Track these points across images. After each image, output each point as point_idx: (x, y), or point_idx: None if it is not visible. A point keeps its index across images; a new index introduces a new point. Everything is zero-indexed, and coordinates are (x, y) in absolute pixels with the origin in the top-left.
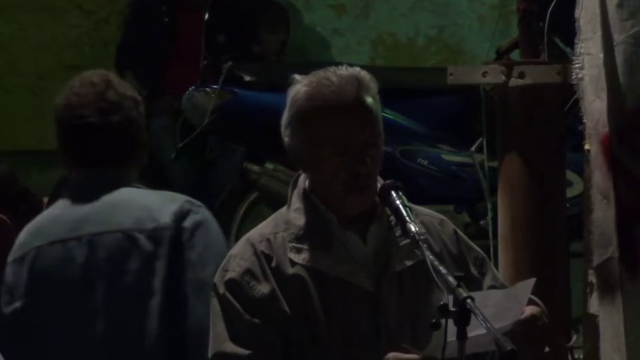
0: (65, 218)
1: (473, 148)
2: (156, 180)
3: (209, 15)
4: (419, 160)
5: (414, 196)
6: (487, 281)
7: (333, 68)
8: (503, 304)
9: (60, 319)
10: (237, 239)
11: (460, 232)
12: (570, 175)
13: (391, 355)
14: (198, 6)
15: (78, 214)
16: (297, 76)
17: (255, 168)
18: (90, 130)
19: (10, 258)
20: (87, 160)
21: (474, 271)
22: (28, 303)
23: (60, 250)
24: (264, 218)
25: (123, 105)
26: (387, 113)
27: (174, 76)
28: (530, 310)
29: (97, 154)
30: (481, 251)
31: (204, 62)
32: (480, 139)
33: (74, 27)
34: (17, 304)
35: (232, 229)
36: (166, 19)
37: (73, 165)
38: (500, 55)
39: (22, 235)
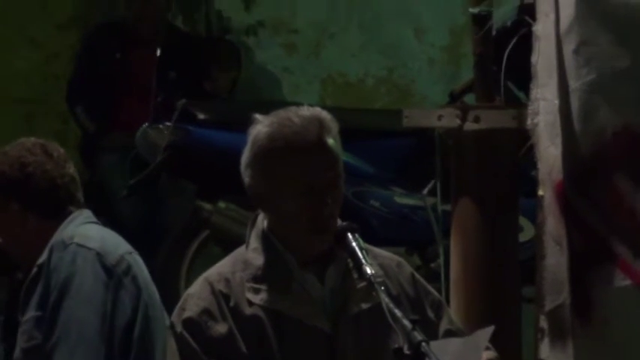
0: None
1: (425, 191)
2: (105, 217)
3: (161, 51)
4: (371, 201)
5: (366, 238)
6: (443, 325)
7: (294, 108)
8: (462, 351)
9: None
10: (187, 278)
11: (417, 275)
12: (521, 220)
13: None
14: (150, 42)
15: None
16: (258, 116)
17: (207, 206)
18: None
19: None
20: None
21: (430, 314)
22: None
23: None
24: (214, 257)
25: None
26: (341, 154)
27: (125, 111)
28: (486, 355)
29: None
30: (438, 295)
31: (157, 99)
32: (433, 182)
33: (25, 60)
34: None
35: (183, 268)
36: (118, 55)
37: None
38: (454, 98)
39: None
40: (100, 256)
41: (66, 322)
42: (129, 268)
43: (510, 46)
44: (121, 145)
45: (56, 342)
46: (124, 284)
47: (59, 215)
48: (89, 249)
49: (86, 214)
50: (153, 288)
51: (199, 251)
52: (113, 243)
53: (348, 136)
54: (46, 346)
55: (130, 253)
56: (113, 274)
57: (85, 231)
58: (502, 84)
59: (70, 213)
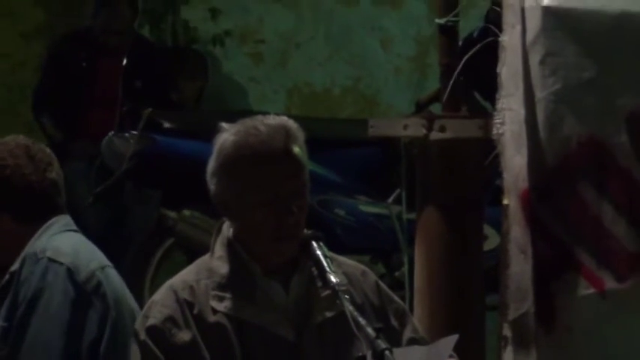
0: None
1: (390, 200)
2: None
3: (127, 61)
4: (336, 210)
5: (330, 246)
6: (407, 333)
7: (260, 117)
8: (426, 359)
9: None
10: (152, 285)
11: (382, 284)
12: (486, 228)
13: None
14: (116, 52)
15: None
16: (224, 125)
17: (172, 214)
18: None
19: None
20: None
21: (394, 322)
22: None
23: None
24: (179, 265)
25: None
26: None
27: (91, 120)
28: None
29: None
30: (402, 303)
31: (123, 108)
32: (398, 191)
33: None
34: None
35: (148, 275)
36: (84, 64)
37: None
38: (420, 108)
39: None
40: (70, 272)
41: (32, 340)
42: (99, 285)
43: (475, 56)
44: (87, 154)
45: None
46: (92, 302)
47: (35, 220)
48: (60, 264)
49: (64, 221)
50: (126, 300)
51: (164, 259)
52: (86, 257)
53: (313, 145)
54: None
55: (103, 268)
56: (83, 291)
57: (58, 243)
58: (467, 94)
59: (46, 220)
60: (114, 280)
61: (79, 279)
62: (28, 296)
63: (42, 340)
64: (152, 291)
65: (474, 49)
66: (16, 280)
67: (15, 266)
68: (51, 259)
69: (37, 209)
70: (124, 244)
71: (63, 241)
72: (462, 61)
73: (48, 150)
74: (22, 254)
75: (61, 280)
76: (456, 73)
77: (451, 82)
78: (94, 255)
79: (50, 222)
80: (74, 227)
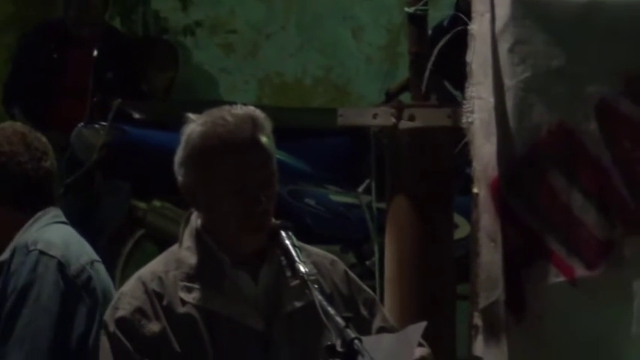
0: None
1: (360, 189)
2: None
3: (98, 52)
4: (306, 200)
5: (301, 236)
6: (377, 322)
7: (227, 107)
8: (395, 347)
9: None
10: (123, 276)
11: (351, 273)
12: (456, 217)
13: None
14: (87, 43)
15: None
16: (191, 115)
17: (142, 205)
18: None
19: None
20: None
21: (364, 311)
22: None
23: None
24: (150, 256)
25: None
26: (275, 153)
27: (62, 111)
28: (419, 352)
29: None
30: (371, 292)
31: (94, 99)
32: (368, 181)
33: None
34: None
35: (118, 266)
36: (55, 55)
37: None
38: (390, 97)
39: None
40: (61, 265)
41: (21, 330)
42: (89, 279)
43: (445, 45)
44: (59, 145)
45: (10, 350)
46: (82, 296)
47: (28, 210)
48: (51, 257)
49: (54, 212)
50: (112, 295)
51: (134, 250)
52: (76, 251)
53: (284, 135)
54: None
55: (92, 262)
56: (73, 285)
57: (49, 236)
58: (437, 83)
59: (38, 210)
60: (102, 275)
61: (69, 273)
62: (18, 287)
63: (32, 331)
64: (123, 282)
65: (445, 38)
66: (6, 271)
67: (5, 256)
68: (42, 252)
69: (30, 198)
70: (94, 235)
71: (53, 234)
72: (435, 51)
73: (44, 139)
74: (12, 244)
75: (52, 273)
76: (430, 62)
77: (421, 71)
78: (83, 249)
79: (41, 213)
80: (64, 219)
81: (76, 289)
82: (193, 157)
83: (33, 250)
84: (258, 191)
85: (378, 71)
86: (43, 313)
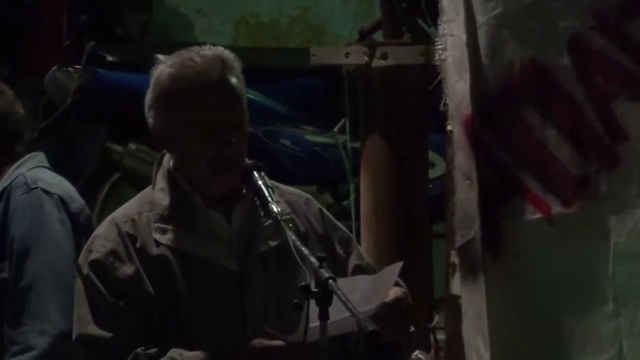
0: None
1: (336, 129)
2: None
3: None
4: (282, 140)
5: (277, 177)
6: (353, 260)
7: (196, 48)
8: (371, 288)
9: None
10: (99, 220)
11: (326, 211)
12: (433, 156)
13: (256, 341)
14: None
15: None
16: (160, 57)
17: (118, 148)
18: None
19: None
20: None
21: (339, 250)
22: None
23: None
24: (126, 199)
25: None
26: (249, 94)
27: (37, 56)
28: (394, 292)
29: None
30: (347, 230)
31: (67, 42)
32: (343, 120)
33: None
34: None
35: (95, 210)
36: None
37: None
38: (364, 36)
39: None
40: (64, 202)
41: (39, 268)
42: (90, 218)
43: None
44: (35, 89)
45: (31, 285)
46: (85, 232)
47: (6, 150)
48: (52, 195)
49: (40, 157)
50: None
51: (111, 193)
52: (72, 190)
53: (258, 75)
54: (15, 284)
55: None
56: (77, 221)
57: (43, 175)
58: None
59: (17, 152)
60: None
61: (72, 209)
62: (26, 225)
63: (52, 270)
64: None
65: None
66: (2, 213)
67: None
68: (44, 190)
69: (8, 139)
70: (70, 178)
71: (46, 175)
72: None
73: (10, 90)
74: (2, 183)
75: (57, 210)
76: None
77: (393, 8)
78: (74, 189)
79: (26, 157)
80: (48, 164)
81: (79, 226)
82: (162, 99)
83: (35, 188)
84: (227, 132)
85: (354, 11)
86: (59, 252)
